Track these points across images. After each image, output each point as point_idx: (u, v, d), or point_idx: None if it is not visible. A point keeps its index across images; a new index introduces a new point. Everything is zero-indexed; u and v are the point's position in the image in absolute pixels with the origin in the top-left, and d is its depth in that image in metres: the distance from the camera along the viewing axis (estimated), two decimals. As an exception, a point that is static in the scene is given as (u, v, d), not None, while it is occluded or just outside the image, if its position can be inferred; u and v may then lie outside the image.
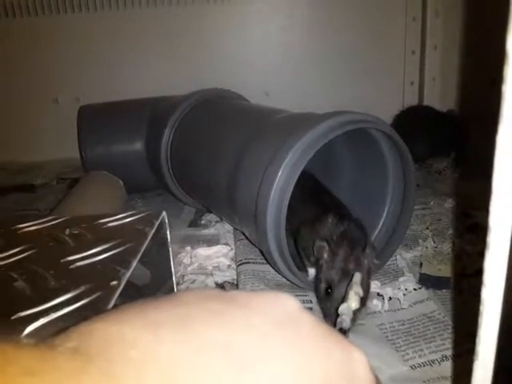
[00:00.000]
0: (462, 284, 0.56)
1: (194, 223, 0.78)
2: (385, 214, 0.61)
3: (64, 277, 0.33)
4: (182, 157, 0.74)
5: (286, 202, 0.49)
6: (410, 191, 0.58)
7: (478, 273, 0.56)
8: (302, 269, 0.55)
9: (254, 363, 0.18)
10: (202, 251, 0.66)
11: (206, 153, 0.66)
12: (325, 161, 0.60)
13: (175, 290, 0.48)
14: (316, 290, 0.50)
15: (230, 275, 0.60)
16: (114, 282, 0.32)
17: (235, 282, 0.59)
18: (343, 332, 0.39)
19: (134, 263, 0.35)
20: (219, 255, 0.65)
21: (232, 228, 0.72)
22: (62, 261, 0.35)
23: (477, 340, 0.22)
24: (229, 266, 0.63)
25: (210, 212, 0.78)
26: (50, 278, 0.33)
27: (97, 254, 0.36)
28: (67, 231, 0.39)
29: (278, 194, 0.49)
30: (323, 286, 0.48)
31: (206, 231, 0.74)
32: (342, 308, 0.42)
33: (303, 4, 1.03)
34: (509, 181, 0.19)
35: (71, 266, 0.34)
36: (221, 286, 0.58)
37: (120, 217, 0.43)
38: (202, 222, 0.77)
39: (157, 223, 0.41)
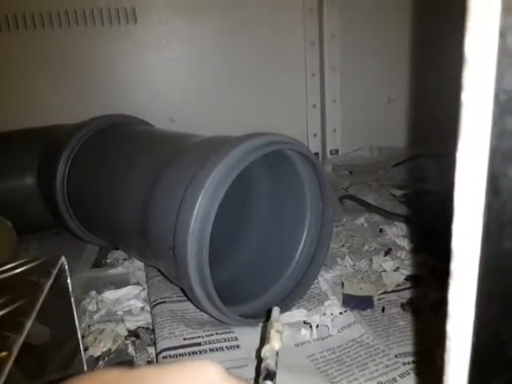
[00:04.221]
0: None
1: (98, 263, 0.70)
2: (304, 237, 0.59)
3: None
4: (81, 190, 0.67)
5: (209, 228, 0.45)
6: (328, 210, 0.57)
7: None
8: (227, 303, 0.51)
9: None
10: (110, 295, 0.59)
11: (110, 183, 0.60)
12: (241, 186, 0.57)
13: (81, 346, 0.41)
14: None
15: (143, 319, 0.54)
16: (4, 354, 0.26)
17: (151, 327, 0.53)
18: (270, 377, 0.35)
19: (28, 325, 0.29)
20: (130, 297, 0.58)
21: (143, 265, 0.66)
22: None
23: (445, 378, 0.20)
24: (142, 308, 0.57)
25: (117, 249, 0.72)
26: None
27: (-22, 318, 0.29)
28: None
29: (199, 220, 0.45)
30: None
31: (112, 271, 0.67)
32: (265, 350, 0.38)
33: (205, 29, 1.02)
34: (472, 198, 0.17)
35: None
36: (134, 333, 0.52)
37: (8, 267, 0.36)
38: (108, 260, 0.70)
39: (55, 272, 0.35)
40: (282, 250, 0.60)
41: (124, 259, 0.69)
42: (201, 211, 0.45)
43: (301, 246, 0.59)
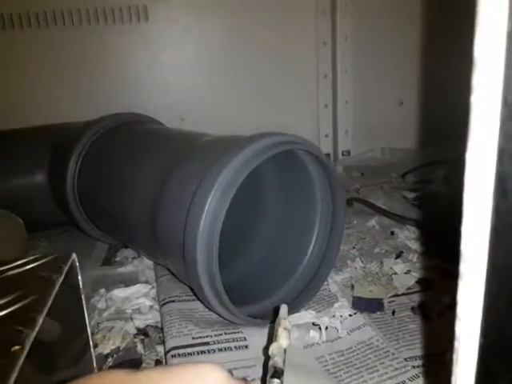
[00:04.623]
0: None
1: (107, 261, 0.71)
2: (314, 237, 0.59)
3: None
4: (92, 188, 0.67)
5: (219, 228, 0.45)
6: (339, 211, 0.57)
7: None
8: (236, 303, 0.51)
9: None
10: (119, 293, 0.59)
11: (121, 182, 0.60)
12: (250, 186, 0.57)
13: (90, 342, 0.41)
14: None
15: (152, 318, 0.55)
16: (16, 347, 0.27)
17: (159, 325, 0.53)
18: (278, 375, 0.35)
19: (40, 320, 0.29)
20: (139, 296, 0.59)
21: (152, 263, 0.66)
22: None
23: (452, 379, 0.20)
24: (151, 307, 0.57)
25: (126, 247, 0.72)
26: None
27: (-9, 312, 0.29)
28: (-48, 286, 0.32)
29: (209, 221, 0.45)
30: None
31: (122, 269, 0.67)
32: (273, 348, 0.37)
33: (217, 28, 1.02)
34: (481, 199, 0.17)
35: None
36: (143, 332, 0.52)
37: (20, 263, 0.36)
38: (117, 258, 0.71)
39: (66, 268, 0.35)
40: (292, 251, 0.59)
41: (133, 258, 0.70)
42: (210, 211, 0.45)
43: (311, 246, 0.59)
